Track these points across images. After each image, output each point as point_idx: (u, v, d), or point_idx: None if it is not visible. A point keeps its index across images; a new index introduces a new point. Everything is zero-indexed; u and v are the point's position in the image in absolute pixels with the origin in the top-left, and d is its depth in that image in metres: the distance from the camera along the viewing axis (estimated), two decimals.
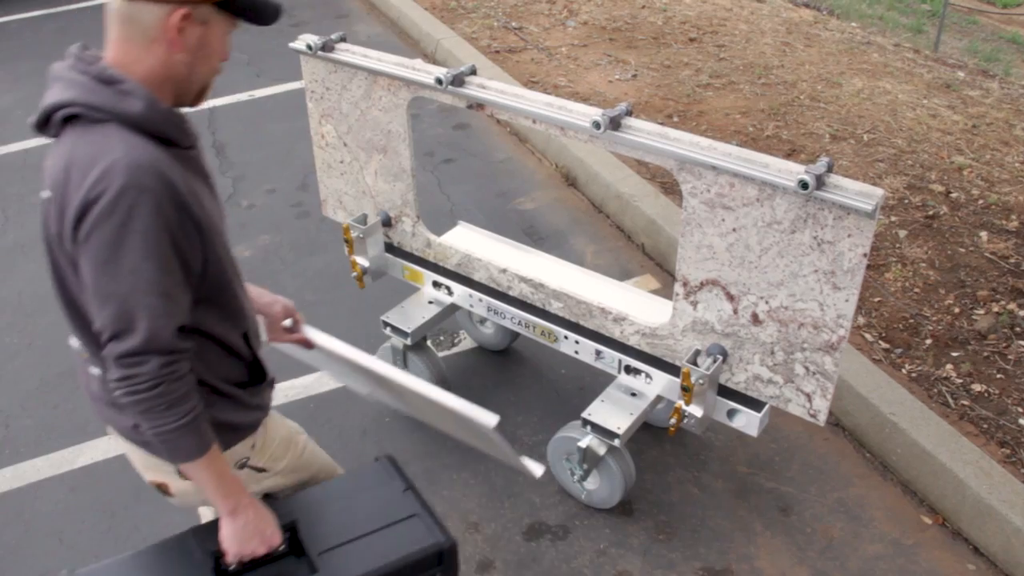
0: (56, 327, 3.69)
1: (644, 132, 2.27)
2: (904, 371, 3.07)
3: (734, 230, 2.22)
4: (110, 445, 3.08)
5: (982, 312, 3.31)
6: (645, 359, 2.63)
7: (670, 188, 4.18)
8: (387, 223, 3.06)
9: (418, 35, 6.35)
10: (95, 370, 1.63)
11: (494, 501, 2.77)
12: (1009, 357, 3.11)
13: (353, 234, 3.02)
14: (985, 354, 3.12)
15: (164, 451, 1.51)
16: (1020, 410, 2.89)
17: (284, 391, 3.25)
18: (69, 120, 1.44)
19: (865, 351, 3.14)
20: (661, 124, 2.33)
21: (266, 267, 3.98)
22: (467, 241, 3.07)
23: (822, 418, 2.32)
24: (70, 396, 3.31)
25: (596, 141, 2.36)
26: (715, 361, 2.39)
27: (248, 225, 4.30)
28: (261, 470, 1.81)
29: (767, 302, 2.25)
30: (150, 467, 1.74)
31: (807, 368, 2.27)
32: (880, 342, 3.19)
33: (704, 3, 6.69)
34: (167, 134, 1.47)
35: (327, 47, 2.82)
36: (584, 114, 2.35)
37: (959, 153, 4.42)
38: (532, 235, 4.10)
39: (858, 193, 1.98)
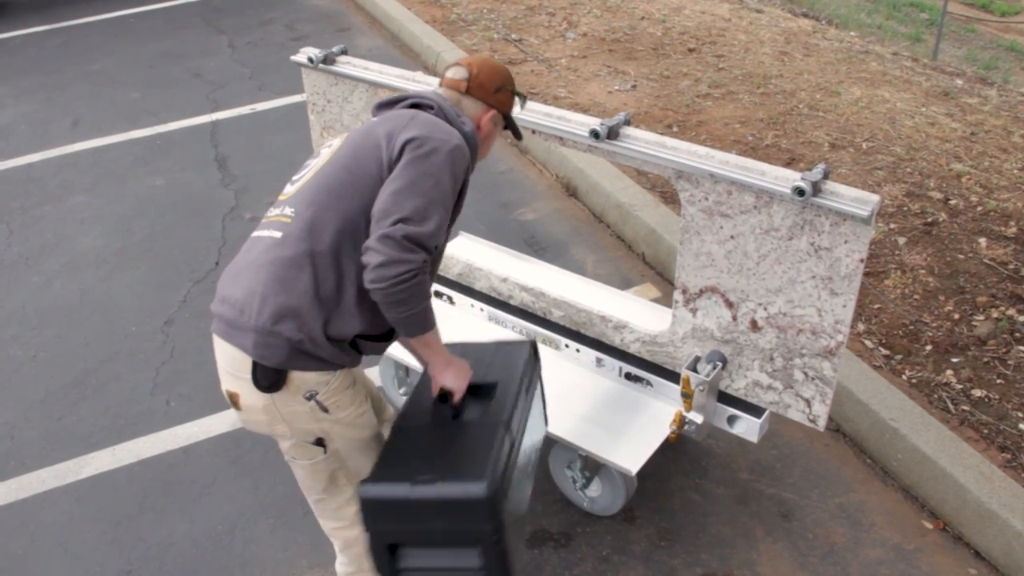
0: (60, 339, 3.71)
1: (642, 141, 2.30)
2: (904, 377, 3.08)
3: (732, 237, 2.24)
4: (114, 456, 3.10)
5: (981, 318, 3.32)
6: (645, 366, 2.65)
7: (670, 197, 4.20)
8: None
9: (419, 48, 6.39)
10: (280, 233, 1.88)
11: None
12: (1009, 362, 3.12)
13: None
14: (985, 359, 3.13)
15: (411, 326, 1.88)
16: (1020, 415, 2.90)
17: None
18: (413, 107, 2.04)
19: (865, 357, 3.16)
20: (661, 134, 2.35)
21: None
22: (468, 251, 3.09)
23: (822, 423, 2.33)
24: (74, 408, 3.33)
25: (595, 150, 2.39)
26: (715, 367, 2.40)
27: None
28: (324, 409, 1.95)
29: (765, 308, 2.27)
30: (230, 374, 1.93)
31: (806, 374, 2.28)
32: (880, 348, 3.21)
33: (703, 14, 6.73)
34: (471, 154, 2.04)
35: (328, 60, 2.85)
36: (583, 124, 2.38)
37: (958, 160, 4.44)
38: (533, 245, 4.12)
39: (854, 199, 2.00)
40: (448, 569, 1.89)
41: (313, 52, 2.85)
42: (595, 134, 2.31)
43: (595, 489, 2.69)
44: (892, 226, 3.87)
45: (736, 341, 2.38)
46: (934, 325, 3.30)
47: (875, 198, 1.98)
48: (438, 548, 1.89)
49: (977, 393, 3.00)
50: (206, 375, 3.45)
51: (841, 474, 2.86)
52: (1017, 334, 3.23)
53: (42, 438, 3.21)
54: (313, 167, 1.98)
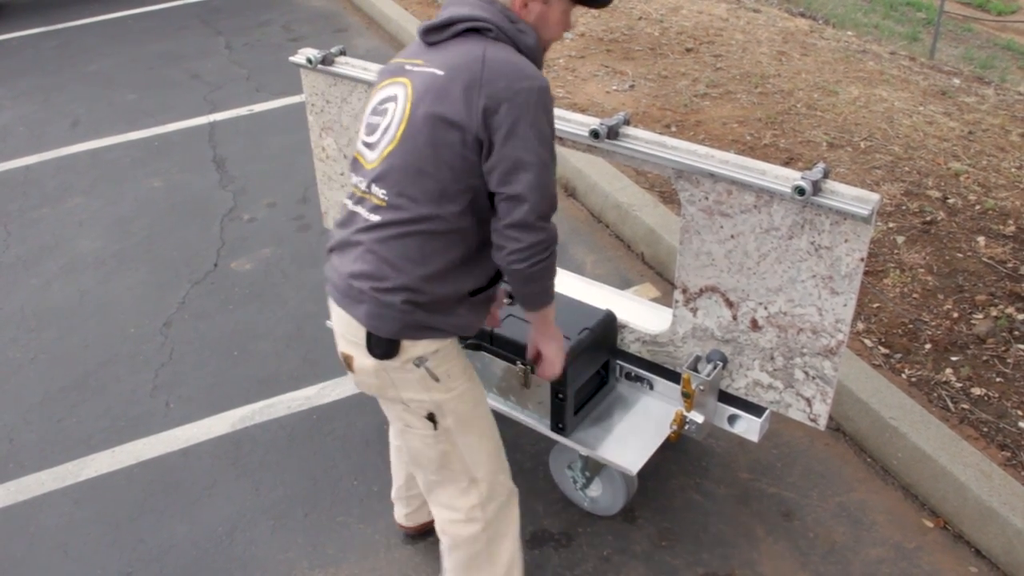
0: (59, 341, 3.71)
1: (642, 141, 2.30)
2: (904, 376, 3.08)
3: (732, 237, 2.24)
4: (114, 458, 3.09)
5: (980, 316, 3.32)
6: (646, 366, 2.64)
7: (669, 197, 4.20)
8: None
9: None
10: (379, 216, 1.85)
11: None
12: (1008, 361, 3.12)
13: None
14: (984, 358, 3.14)
15: (534, 300, 1.93)
16: (1020, 413, 2.90)
17: (287, 403, 3.27)
18: (469, 32, 1.82)
19: (865, 356, 3.16)
20: (659, 134, 2.35)
21: (268, 280, 4.00)
22: None
23: (822, 423, 2.33)
24: (74, 410, 3.33)
25: (594, 150, 2.39)
26: (715, 367, 2.40)
27: (249, 238, 4.32)
28: (435, 378, 1.95)
29: (766, 308, 2.27)
30: (345, 338, 1.95)
31: (807, 373, 2.28)
32: (880, 347, 3.21)
33: (700, 14, 6.73)
34: (534, 62, 1.87)
35: (327, 60, 2.85)
36: (582, 123, 2.38)
37: (956, 159, 4.44)
38: None
39: (854, 198, 2.00)
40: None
41: (312, 53, 2.85)
42: (595, 134, 2.31)
43: (596, 489, 2.69)
44: (891, 225, 3.87)
45: (736, 340, 2.38)
46: (933, 324, 3.30)
47: (875, 197, 1.98)
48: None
49: (976, 391, 3.00)
50: (205, 376, 3.44)
51: (841, 473, 2.86)
52: (1016, 332, 3.24)
53: (41, 440, 3.20)
54: (391, 132, 1.85)
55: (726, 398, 2.48)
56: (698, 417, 2.46)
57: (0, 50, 7.30)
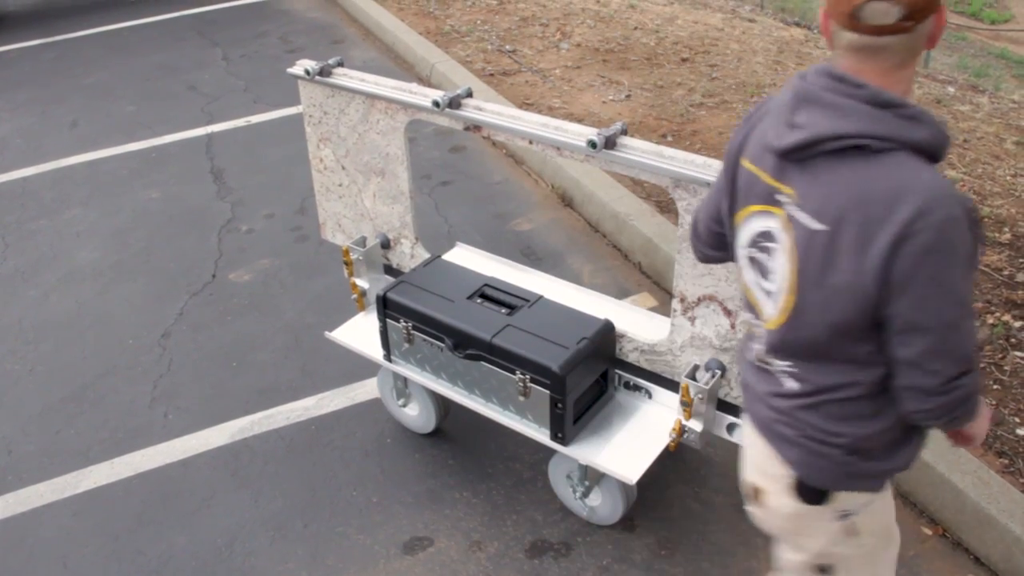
0: (57, 353, 3.71)
1: (639, 151, 2.31)
2: None
3: None
4: (113, 470, 3.09)
5: (977, 324, 3.34)
6: (644, 375, 2.65)
7: (666, 207, 4.22)
8: (386, 245, 3.09)
9: (413, 59, 6.41)
10: (791, 384, 1.61)
11: (496, 519, 2.78)
12: (1005, 368, 3.13)
13: (352, 256, 3.04)
14: (981, 365, 3.15)
15: (956, 424, 1.55)
16: (1017, 420, 2.91)
17: (285, 414, 3.27)
18: (840, 150, 1.40)
19: None
20: (656, 144, 2.36)
21: (266, 291, 4.01)
22: (465, 261, 3.09)
23: None
24: (72, 421, 3.33)
25: (592, 160, 2.40)
26: (714, 376, 2.41)
27: (247, 249, 4.33)
28: (855, 532, 1.68)
29: None
30: (762, 469, 1.71)
31: None
32: None
33: (696, 23, 6.76)
34: (941, 155, 1.41)
35: (325, 72, 2.86)
36: (580, 134, 2.39)
37: (951, 167, 4.46)
38: (529, 256, 4.13)
39: None
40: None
41: (309, 64, 2.86)
42: (592, 144, 2.32)
43: (595, 498, 2.70)
44: None
45: (735, 349, 2.39)
46: None
47: None
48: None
49: None
50: (203, 388, 3.44)
51: None
52: (1013, 340, 3.25)
53: (40, 452, 3.20)
54: (780, 297, 1.55)
55: (725, 407, 2.49)
56: (697, 426, 2.46)
57: None
